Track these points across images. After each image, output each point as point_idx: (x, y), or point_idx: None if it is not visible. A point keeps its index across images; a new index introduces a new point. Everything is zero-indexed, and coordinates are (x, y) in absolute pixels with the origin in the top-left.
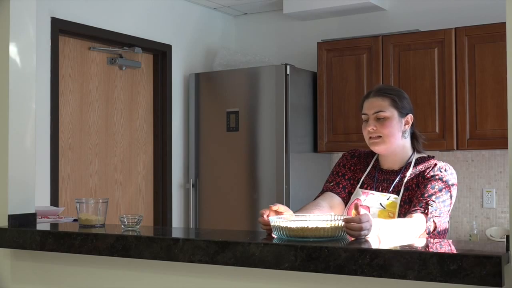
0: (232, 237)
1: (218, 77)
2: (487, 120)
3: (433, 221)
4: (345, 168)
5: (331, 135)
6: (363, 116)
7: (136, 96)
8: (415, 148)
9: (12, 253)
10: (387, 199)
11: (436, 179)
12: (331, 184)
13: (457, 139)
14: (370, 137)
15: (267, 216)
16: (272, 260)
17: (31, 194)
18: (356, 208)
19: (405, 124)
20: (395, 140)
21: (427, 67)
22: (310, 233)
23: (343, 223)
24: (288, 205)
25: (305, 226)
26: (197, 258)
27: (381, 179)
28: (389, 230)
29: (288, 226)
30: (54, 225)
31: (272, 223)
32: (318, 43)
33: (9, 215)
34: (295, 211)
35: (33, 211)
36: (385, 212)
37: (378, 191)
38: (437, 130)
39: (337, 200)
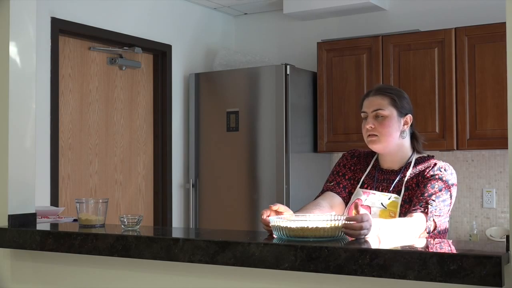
0: (232, 237)
1: (218, 77)
2: (487, 120)
3: (433, 220)
4: (345, 168)
5: (331, 135)
6: (362, 114)
7: (136, 96)
8: (414, 148)
9: (12, 253)
10: (388, 199)
11: (436, 178)
12: (332, 183)
13: (457, 139)
14: (368, 135)
15: (267, 216)
16: (272, 260)
17: (31, 194)
18: (356, 207)
19: (404, 124)
20: (392, 140)
21: (427, 67)
22: (310, 233)
23: (343, 223)
24: (288, 205)
25: (305, 226)
26: (197, 258)
27: (381, 179)
28: (389, 229)
29: (288, 226)
30: (54, 225)
31: (272, 223)
32: (318, 43)
33: (9, 215)
34: (295, 211)
35: (33, 211)
36: (386, 212)
37: (379, 190)
38: (437, 130)
39: (337, 199)
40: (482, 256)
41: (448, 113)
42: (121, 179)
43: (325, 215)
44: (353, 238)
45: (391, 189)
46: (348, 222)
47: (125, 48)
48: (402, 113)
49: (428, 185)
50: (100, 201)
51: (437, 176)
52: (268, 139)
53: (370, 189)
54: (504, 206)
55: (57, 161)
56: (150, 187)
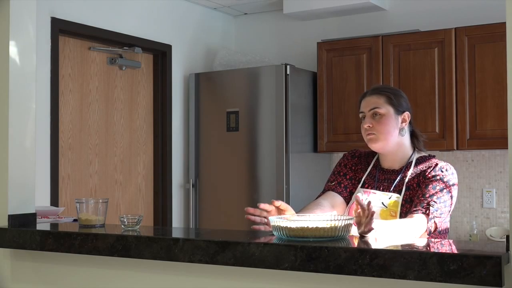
0: (232, 237)
1: (218, 77)
2: (487, 120)
3: (434, 221)
4: (346, 168)
5: (331, 135)
6: (360, 115)
7: (136, 96)
8: (415, 147)
9: (12, 253)
10: (389, 198)
11: (437, 179)
12: (333, 183)
13: (457, 139)
14: (367, 134)
15: (268, 211)
16: (272, 260)
17: (31, 194)
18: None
19: (402, 122)
20: (391, 137)
21: (427, 67)
22: (310, 233)
23: (347, 222)
24: None
25: (305, 226)
26: (197, 258)
27: (382, 178)
28: (389, 231)
29: (288, 226)
30: (54, 225)
31: (272, 223)
32: (318, 43)
33: (9, 215)
34: (297, 211)
35: (33, 211)
36: (387, 211)
37: (379, 190)
38: (437, 130)
39: (338, 199)
40: (482, 256)
41: (448, 113)
42: (121, 179)
43: (325, 215)
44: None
45: (392, 188)
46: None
47: (125, 48)
48: (399, 111)
49: (430, 186)
50: (100, 201)
51: (438, 177)
52: (268, 139)
53: (371, 188)
54: (504, 206)
55: (57, 161)
56: (150, 187)
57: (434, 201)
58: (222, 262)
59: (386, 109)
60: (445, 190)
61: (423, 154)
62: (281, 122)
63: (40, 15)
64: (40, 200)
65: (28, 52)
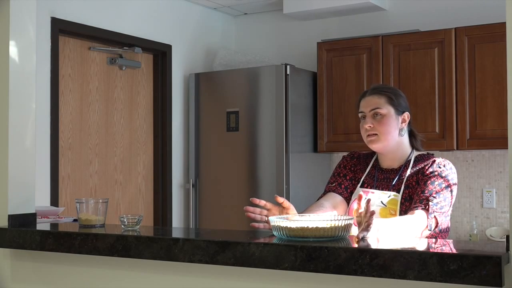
0: (232, 237)
1: (218, 77)
2: (487, 120)
3: (434, 217)
4: (346, 169)
5: (331, 135)
6: (360, 115)
7: (136, 96)
8: (413, 146)
9: (12, 253)
10: (388, 197)
11: (436, 175)
12: (333, 184)
13: (457, 139)
14: (368, 135)
15: (269, 209)
16: (272, 260)
17: (31, 194)
18: (360, 199)
19: (402, 122)
20: (392, 138)
21: (427, 67)
22: (310, 233)
23: (347, 222)
24: None
25: (305, 226)
26: (197, 258)
27: (381, 177)
28: (389, 229)
29: (288, 226)
30: (54, 225)
31: (272, 223)
32: (318, 43)
33: (9, 215)
34: (298, 212)
35: (33, 211)
36: (386, 210)
37: (379, 189)
38: (437, 130)
39: (339, 200)
40: (482, 256)
41: (448, 113)
42: (121, 179)
43: (325, 215)
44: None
45: (390, 187)
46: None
47: (125, 48)
48: (399, 111)
49: (428, 182)
50: (100, 201)
51: (436, 173)
52: (268, 139)
53: (370, 188)
54: (504, 206)
55: (57, 161)
56: (150, 187)
57: (433, 197)
58: (222, 262)
59: (387, 109)
60: (444, 185)
61: (421, 152)
62: (281, 122)
63: (40, 15)
64: (40, 200)
65: (28, 52)
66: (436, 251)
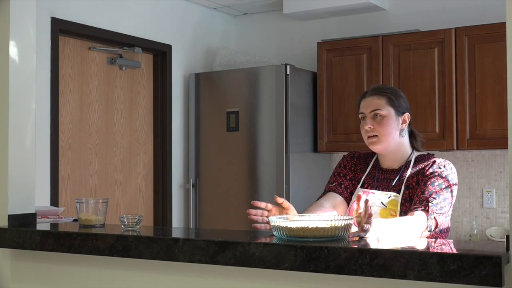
0: (232, 237)
1: (218, 77)
2: (487, 120)
3: (434, 218)
4: (346, 169)
5: (331, 135)
6: (360, 116)
7: (136, 96)
8: (414, 147)
9: (12, 253)
10: (388, 198)
11: (436, 176)
12: (333, 184)
13: (457, 139)
14: (368, 137)
15: (269, 210)
16: (272, 260)
17: (31, 194)
18: (359, 199)
19: (402, 123)
20: (392, 139)
21: (427, 67)
22: (310, 233)
23: (347, 222)
24: None
25: (305, 226)
26: (197, 258)
27: (381, 178)
28: (389, 229)
29: (288, 226)
30: (54, 225)
31: (272, 223)
32: (318, 43)
33: (9, 215)
34: (298, 212)
35: (33, 211)
36: (387, 211)
37: (379, 190)
38: (437, 130)
39: (339, 200)
40: (482, 256)
41: (448, 113)
42: (121, 179)
43: (325, 215)
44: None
45: (391, 188)
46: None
47: (125, 48)
48: (399, 112)
49: (428, 183)
50: (100, 201)
51: (436, 174)
52: (268, 139)
53: (370, 188)
54: (504, 206)
55: (57, 161)
56: (150, 187)
57: (434, 197)
58: (222, 262)
59: (387, 110)
60: (444, 186)
61: (422, 153)
62: (281, 122)
63: (40, 15)
64: (40, 200)
65: (28, 52)
66: (436, 251)
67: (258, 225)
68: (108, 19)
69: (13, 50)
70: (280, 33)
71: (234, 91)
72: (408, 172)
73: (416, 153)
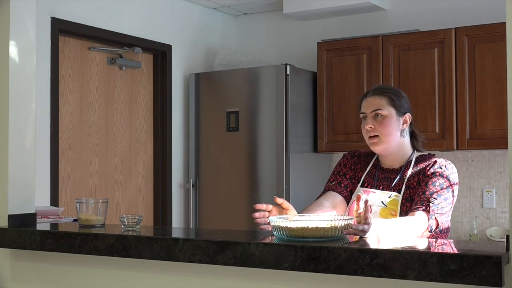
0: (232, 237)
1: (218, 77)
2: (487, 120)
3: (435, 218)
4: (346, 168)
5: (331, 135)
6: (361, 115)
7: (136, 96)
8: (414, 147)
9: (12, 253)
10: (389, 197)
11: (437, 176)
12: (333, 183)
13: (457, 139)
14: (370, 137)
15: (269, 211)
16: (272, 260)
17: (31, 194)
18: (358, 200)
19: (403, 123)
20: (393, 139)
21: (427, 67)
22: (310, 233)
23: (347, 222)
24: None
25: (305, 226)
26: (197, 258)
27: (382, 177)
28: (390, 229)
29: (288, 226)
30: (54, 225)
31: (272, 223)
32: (318, 43)
33: (9, 215)
34: (298, 211)
35: (33, 211)
36: (387, 210)
37: (379, 189)
38: (437, 130)
39: (339, 199)
40: (482, 256)
41: (448, 113)
42: (121, 179)
43: (325, 215)
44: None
45: (391, 187)
46: (354, 227)
47: (125, 48)
48: (401, 112)
49: (429, 183)
50: (100, 201)
51: (437, 174)
52: (268, 139)
53: (371, 187)
54: (504, 206)
55: (57, 161)
56: (150, 187)
57: (435, 198)
58: (222, 262)
59: (389, 110)
60: (445, 186)
61: (423, 153)
62: (281, 122)
63: (40, 15)
64: (40, 200)
65: (28, 52)
66: (436, 251)
67: (263, 226)
68: (108, 19)
69: (13, 50)
70: (280, 33)
71: (234, 91)
72: (409, 172)
73: (417, 153)
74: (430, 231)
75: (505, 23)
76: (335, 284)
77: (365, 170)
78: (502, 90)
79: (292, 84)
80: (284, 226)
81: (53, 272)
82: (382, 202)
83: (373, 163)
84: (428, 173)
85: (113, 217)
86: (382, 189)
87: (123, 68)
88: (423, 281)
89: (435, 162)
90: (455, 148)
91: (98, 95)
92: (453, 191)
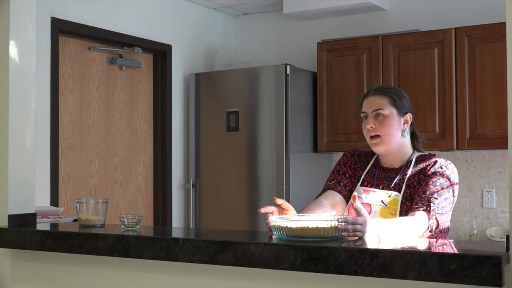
0: (232, 237)
1: (218, 77)
2: (487, 120)
3: (436, 218)
4: (345, 167)
5: (331, 135)
6: (362, 115)
7: (136, 96)
8: (415, 147)
9: (12, 253)
10: (389, 196)
11: (437, 176)
12: (332, 182)
13: (457, 139)
14: (371, 137)
15: (271, 212)
16: (272, 260)
17: (31, 194)
18: (354, 199)
19: (404, 123)
20: (394, 139)
21: (427, 67)
22: (310, 233)
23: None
24: None
25: (305, 226)
26: (197, 258)
27: (382, 176)
28: (390, 229)
29: (288, 226)
30: (54, 225)
31: (272, 223)
32: (318, 43)
33: (9, 215)
34: (298, 211)
35: (33, 211)
36: (387, 209)
37: (379, 188)
38: (437, 130)
39: (338, 198)
40: (482, 256)
41: (448, 113)
42: (121, 179)
43: (325, 215)
44: (355, 238)
45: (391, 186)
46: (343, 224)
47: (125, 48)
48: (402, 112)
49: (430, 183)
50: (100, 201)
51: (438, 174)
52: (268, 139)
53: (371, 187)
54: (504, 206)
55: (57, 161)
56: (150, 187)
57: (435, 198)
58: (222, 262)
59: (390, 110)
60: (445, 186)
61: (423, 153)
62: (281, 122)
63: (40, 15)
64: (40, 200)
65: (28, 52)
66: (436, 251)
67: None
68: (108, 19)
69: (13, 50)
70: (280, 33)
71: (234, 91)
72: (409, 171)
73: (417, 153)
74: (431, 231)
75: (505, 23)
76: (335, 284)
77: (365, 169)
78: (502, 90)
79: (292, 84)
80: (284, 226)
81: (53, 272)
82: (382, 201)
83: (373, 162)
84: (429, 172)
85: (113, 217)
86: (382, 189)
87: (123, 68)
88: (423, 281)
89: (436, 161)
90: (455, 148)
91: (98, 95)
92: (453, 191)
